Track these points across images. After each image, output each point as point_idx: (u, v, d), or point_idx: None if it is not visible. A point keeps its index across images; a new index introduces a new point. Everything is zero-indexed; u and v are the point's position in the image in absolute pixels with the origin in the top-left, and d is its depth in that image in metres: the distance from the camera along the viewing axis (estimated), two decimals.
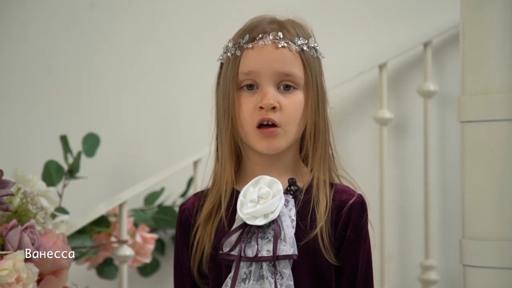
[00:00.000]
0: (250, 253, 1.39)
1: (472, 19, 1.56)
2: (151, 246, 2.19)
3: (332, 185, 1.48)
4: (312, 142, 1.47)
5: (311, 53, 1.47)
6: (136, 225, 2.21)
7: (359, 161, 2.44)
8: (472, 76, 1.56)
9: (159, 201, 2.35)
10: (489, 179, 1.52)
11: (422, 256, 2.43)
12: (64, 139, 2.12)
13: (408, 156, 2.50)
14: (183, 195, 2.34)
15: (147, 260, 2.19)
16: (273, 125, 1.43)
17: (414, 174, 2.47)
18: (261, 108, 1.43)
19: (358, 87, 2.48)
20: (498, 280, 1.50)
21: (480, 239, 1.52)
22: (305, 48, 1.46)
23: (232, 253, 1.40)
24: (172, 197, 2.37)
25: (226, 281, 1.41)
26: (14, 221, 1.59)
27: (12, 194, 1.60)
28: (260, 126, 1.44)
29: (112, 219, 2.19)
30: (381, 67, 2.40)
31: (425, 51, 2.43)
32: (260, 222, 1.39)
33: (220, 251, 1.41)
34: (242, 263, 1.39)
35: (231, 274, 1.40)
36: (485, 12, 1.54)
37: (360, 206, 1.46)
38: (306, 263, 1.42)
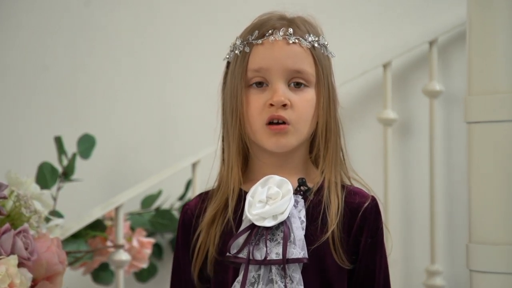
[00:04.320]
0: (258, 256, 1.37)
1: (479, 17, 1.56)
2: (148, 251, 2.18)
3: (343, 187, 1.46)
4: (324, 142, 1.45)
5: (322, 51, 1.45)
6: (132, 229, 2.21)
7: (363, 163, 2.40)
8: (479, 75, 1.56)
9: (156, 204, 2.34)
10: (496, 181, 1.52)
11: (428, 261, 2.43)
12: (58, 140, 2.11)
13: (413, 158, 2.49)
14: (181, 198, 2.34)
15: (144, 265, 2.19)
16: (283, 122, 1.41)
17: (419, 176, 2.47)
18: (271, 105, 1.41)
19: (362, 87, 2.47)
20: (506, 286, 1.50)
21: (487, 243, 1.52)
22: (316, 45, 1.44)
23: (240, 255, 1.38)
24: (170, 200, 2.36)
25: (234, 285, 1.39)
26: (7, 225, 1.58)
27: (5, 197, 1.58)
28: (270, 123, 1.42)
29: (108, 222, 2.18)
30: (386, 66, 2.40)
31: (431, 49, 2.42)
32: (269, 223, 1.37)
33: (228, 253, 1.39)
34: (250, 267, 1.37)
35: (239, 278, 1.38)
36: (493, 10, 1.53)
37: (375, 209, 1.45)
38: (314, 267, 1.40)
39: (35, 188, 1.75)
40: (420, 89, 2.44)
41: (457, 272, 2.43)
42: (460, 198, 2.43)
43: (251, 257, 1.37)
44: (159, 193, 2.32)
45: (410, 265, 2.47)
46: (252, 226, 1.38)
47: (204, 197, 1.50)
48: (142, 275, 2.29)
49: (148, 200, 2.32)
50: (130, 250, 2.14)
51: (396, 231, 2.42)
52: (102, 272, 2.18)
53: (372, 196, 1.45)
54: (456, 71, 2.47)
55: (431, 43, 2.41)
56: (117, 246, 2.06)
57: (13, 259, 1.53)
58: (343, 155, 1.49)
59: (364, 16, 2.49)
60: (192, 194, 2.20)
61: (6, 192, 1.59)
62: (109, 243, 2.12)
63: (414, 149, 2.48)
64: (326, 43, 1.46)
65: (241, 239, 1.38)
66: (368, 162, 2.43)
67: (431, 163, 2.40)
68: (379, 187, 2.36)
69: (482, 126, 1.53)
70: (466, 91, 1.58)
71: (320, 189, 1.43)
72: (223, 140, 1.50)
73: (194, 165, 2.17)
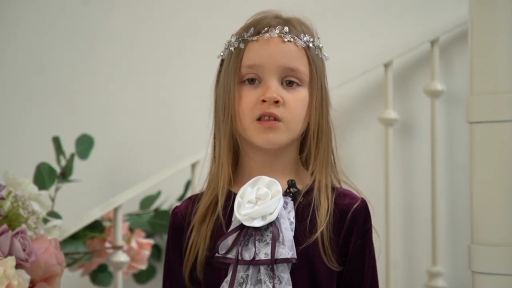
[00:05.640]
0: (247, 256, 1.37)
1: (481, 16, 1.55)
2: (147, 252, 2.18)
3: (333, 189, 1.46)
4: (315, 143, 1.46)
5: (316, 52, 1.45)
6: (131, 230, 2.20)
7: (363, 164, 2.43)
8: (480, 75, 1.55)
9: (155, 205, 2.33)
10: (498, 182, 1.52)
11: (429, 262, 2.42)
12: (56, 141, 2.10)
13: (414, 158, 2.49)
14: (180, 198, 2.32)
15: (143, 266, 2.18)
16: (275, 119, 1.41)
17: (421, 176, 2.46)
18: (263, 101, 1.41)
19: (363, 87, 2.46)
20: (508, 287, 1.49)
21: (489, 244, 1.52)
22: (310, 45, 1.44)
23: (229, 256, 1.39)
24: (169, 201, 2.34)
25: (222, 286, 1.39)
26: (4, 226, 1.57)
27: (2, 198, 1.59)
28: (260, 119, 1.42)
29: (106, 223, 2.17)
30: (387, 65, 2.39)
31: (432, 49, 2.42)
32: (258, 223, 1.38)
33: (216, 254, 1.39)
34: (239, 267, 1.38)
35: (228, 278, 1.39)
36: (495, 8, 1.53)
37: (364, 210, 1.45)
38: (304, 268, 1.40)
39: (33, 188, 1.75)
40: (421, 89, 2.43)
41: (459, 274, 2.42)
42: (462, 198, 2.42)
43: (239, 258, 1.37)
44: (158, 194, 2.31)
45: (412, 266, 2.47)
46: (241, 227, 1.39)
47: (195, 199, 1.50)
48: (141, 277, 2.28)
49: (147, 201, 2.31)
50: (128, 251, 2.13)
51: (397, 232, 2.42)
52: (100, 274, 2.18)
53: (362, 198, 1.45)
54: (457, 70, 2.47)
55: (433, 43, 2.41)
56: (116, 247, 2.05)
57: (11, 261, 1.52)
58: (333, 158, 1.49)
59: (365, 16, 2.48)
60: (191, 194, 2.19)
61: (3, 193, 1.59)
62: (107, 244, 2.10)
63: (415, 150, 2.48)
64: (320, 45, 1.47)
65: (230, 240, 1.39)
66: (369, 162, 2.43)
67: (433, 164, 2.39)
68: (380, 187, 2.37)
69: (484, 126, 1.53)
70: (468, 91, 1.58)
71: (310, 190, 1.44)
72: (214, 137, 1.50)
73: (193, 166, 2.17)
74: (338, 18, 2.45)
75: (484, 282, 1.52)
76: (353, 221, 1.43)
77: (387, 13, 2.48)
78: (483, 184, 1.53)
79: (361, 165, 2.41)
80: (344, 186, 1.49)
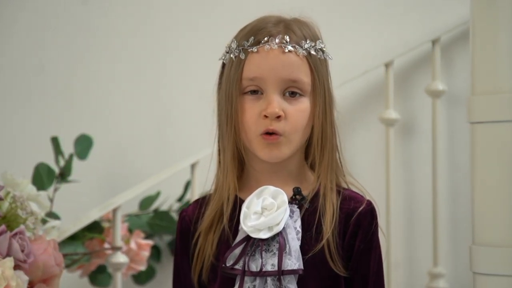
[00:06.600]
0: (254, 267, 1.38)
1: (482, 15, 1.55)
2: (146, 253, 2.17)
3: (339, 192, 1.45)
4: (319, 149, 1.45)
5: (318, 56, 1.44)
6: (130, 230, 2.19)
7: (364, 164, 2.43)
8: (482, 75, 1.55)
9: (154, 205, 2.32)
10: (500, 182, 1.51)
11: (430, 263, 2.42)
12: (55, 141, 2.09)
13: (415, 159, 2.49)
14: (180, 199, 2.33)
15: (142, 267, 2.18)
16: (277, 133, 1.41)
17: (422, 177, 2.46)
18: (266, 116, 1.40)
19: (363, 86, 2.46)
20: None
21: (491, 245, 1.51)
22: (312, 51, 1.42)
23: (236, 267, 1.39)
24: (169, 202, 2.34)
25: None
26: (3, 227, 1.57)
27: (1, 199, 1.58)
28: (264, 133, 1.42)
29: (105, 224, 2.16)
30: (388, 65, 2.38)
31: (434, 48, 2.42)
32: (265, 235, 1.38)
33: (224, 265, 1.39)
34: (246, 278, 1.38)
35: None
36: (496, 8, 1.52)
37: (369, 213, 1.44)
38: (312, 275, 1.40)
39: (31, 189, 1.74)
40: (422, 89, 2.43)
41: (460, 275, 2.42)
42: (463, 199, 2.42)
43: (246, 269, 1.37)
44: (158, 195, 2.30)
45: (413, 267, 2.47)
46: (248, 238, 1.39)
47: (202, 203, 1.50)
48: (140, 278, 2.28)
49: (146, 202, 2.30)
50: (128, 252, 2.12)
51: (398, 232, 2.42)
52: (99, 275, 2.17)
53: (368, 201, 1.44)
54: (459, 70, 2.47)
55: (434, 42, 2.41)
56: (115, 248, 2.05)
57: (9, 262, 1.51)
58: (339, 159, 1.48)
59: (366, 15, 2.48)
60: (191, 195, 2.19)
61: (2, 194, 1.59)
62: (106, 245, 2.10)
63: (416, 150, 2.48)
64: (323, 46, 1.45)
65: (237, 251, 1.39)
66: (370, 162, 2.43)
67: (434, 164, 2.39)
68: (381, 188, 2.36)
69: (485, 126, 1.52)
70: (469, 91, 1.57)
71: (316, 196, 1.43)
72: (218, 143, 1.50)
73: (193, 166, 2.16)
74: (338, 18, 2.44)
75: (486, 283, 1.51)
76: (357, 225, 1.42)
77: (388, 13, 2.48)
78: (484, 185, 1.52)
79: (362, 165, 2.40)
80: (352, 187, 1.48)
